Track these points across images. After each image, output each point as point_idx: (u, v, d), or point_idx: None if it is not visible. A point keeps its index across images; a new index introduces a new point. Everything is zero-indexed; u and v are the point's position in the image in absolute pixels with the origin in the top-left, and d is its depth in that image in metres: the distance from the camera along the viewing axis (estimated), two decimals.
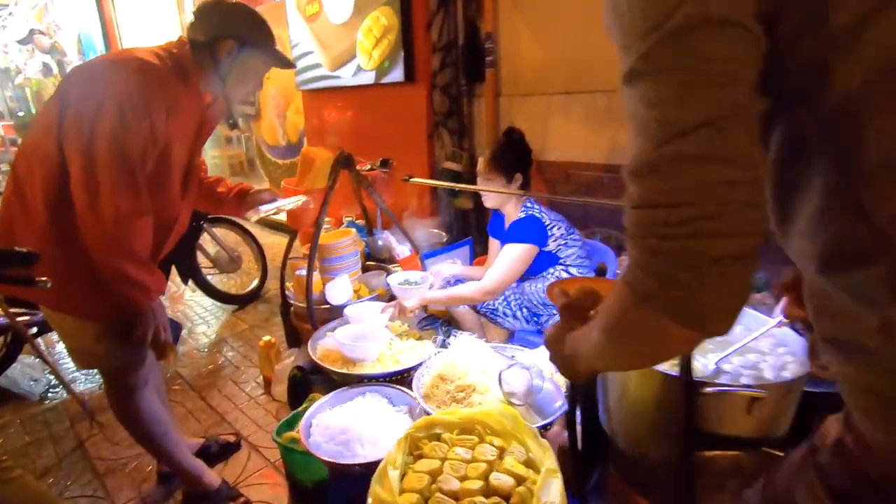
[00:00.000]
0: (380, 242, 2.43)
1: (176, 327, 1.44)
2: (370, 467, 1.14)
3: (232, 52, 1.38)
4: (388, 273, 2.30)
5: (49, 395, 2.33)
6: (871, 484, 0.50)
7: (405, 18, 3.03)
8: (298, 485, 1.60)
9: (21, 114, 7.16)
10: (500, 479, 1.02)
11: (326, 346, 1.81)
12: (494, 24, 2.95)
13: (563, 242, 1.95)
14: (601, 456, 1.35)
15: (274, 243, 4.44)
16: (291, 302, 2.18)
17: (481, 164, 1.95)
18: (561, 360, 0.75)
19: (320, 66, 3.70)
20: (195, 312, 3.27)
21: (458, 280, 2.10)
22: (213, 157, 6.38)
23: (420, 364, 1.62)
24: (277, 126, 4.88)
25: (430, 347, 1.71)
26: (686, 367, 1.00)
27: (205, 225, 3.01)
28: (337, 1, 3.42)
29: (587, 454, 1.37)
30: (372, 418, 1.40)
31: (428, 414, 1.38)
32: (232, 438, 1.91)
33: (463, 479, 1.04)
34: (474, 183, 2.02)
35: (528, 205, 1.97)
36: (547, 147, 2.92)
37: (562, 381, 1.51)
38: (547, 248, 1.93)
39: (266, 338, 2.28)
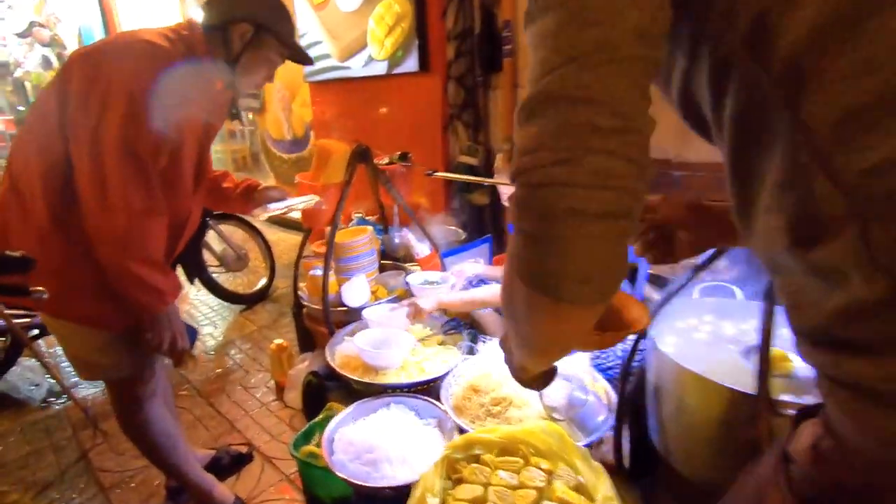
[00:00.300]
0: (396, 240, 2.31)
1: (192, 332, 1.33)
2: (401, 490, 1.03)
3: (246, 36, 1.26)
4: (407, 273, 2.19)
5: (50, 400, 2.22)
6: (848, 494, 0.43)
7: (419, 5, 2.90)
8: (317, 501, 1.49)
9: (21, 108, 7.05)
10: None
11: (345, 351, 1.69)
12: (513, 12, 2.81)
13: None
14: (650, 476, 1.24)
15: (281, 240, 4.33)
16: (305, 303, 2.06)
17: (501, 159, 1.83)
18: (507, 363, 0.70)
19: (329, 56, 3.57)
20: (201, 313, 3.16)
21: (482, 280, 1.98)
22: (216, 151, 6.26)
23: (447, 373, 1.50)
24: (283, 120, 4.76)
25: (455, 353, 1.60)
26: (762, 381, 0.88)
27: (210, 222, 2.90)
28: None
29: (634, 474, 1.26)
30: (400, 434, 1.29)
31: (462, 430, 1.27)
32: (244, 449, 1.80)
33: None
34: (478, 175, 1.92)
35: None
36: None
37: (603, 392, 1.39)
38: None
39: (278, 341, 2.17)
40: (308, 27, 3.69)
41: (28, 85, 7.12)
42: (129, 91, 1.06)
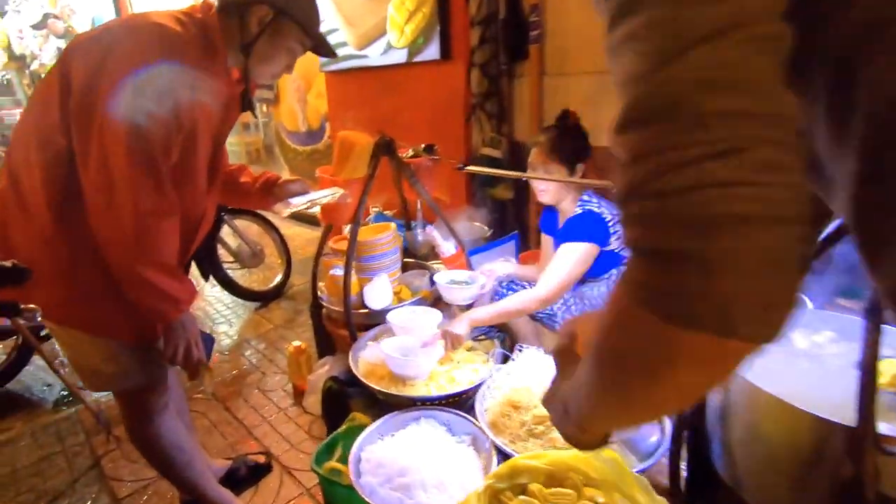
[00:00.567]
0: (419, 238, 2.19)
1: (209, 341, 1.23)
2: None
3: (264, 20, 1.14)
4: (431, 272, 2.07)
5: (63, 402, 2.15)
6: None
7: None
8: None
9: None
10: None
11: (369, 358, 1.58)
12: None
13: None
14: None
15: (296, 235, 4.24)
16: (324, 304, 1.96)
17: (536, 154, 1.69)
18: (558, 424, 0.58)
19: (346, 45, 3.45)
20: (216, 310, 3.08)
21: (512, 282, 1.86)
22: (229, 144, 6.14)
23: (480, 384, 1.39)
24: (298, 111, 4.65)
25: (486, 361, 1.48)
26: (866, 412, 0.75)
27: (225, 217, 2.81)
28: None
29: (692, 502, 1.13)
30: (433, 454, 1.18)
31: (499, 450, 1.15)
32: (262, 459, 1.71)
33: None
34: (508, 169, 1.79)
35: (586, 198, 1.72)
36: (597, 131, 2.65)
37: None
38: (609, 248, 1.68)
39: (296, 343, 2.08)
40: (323, 14, 3.56)
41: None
42: (136, 81, 0.95)
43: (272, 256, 3.27)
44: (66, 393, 2.22)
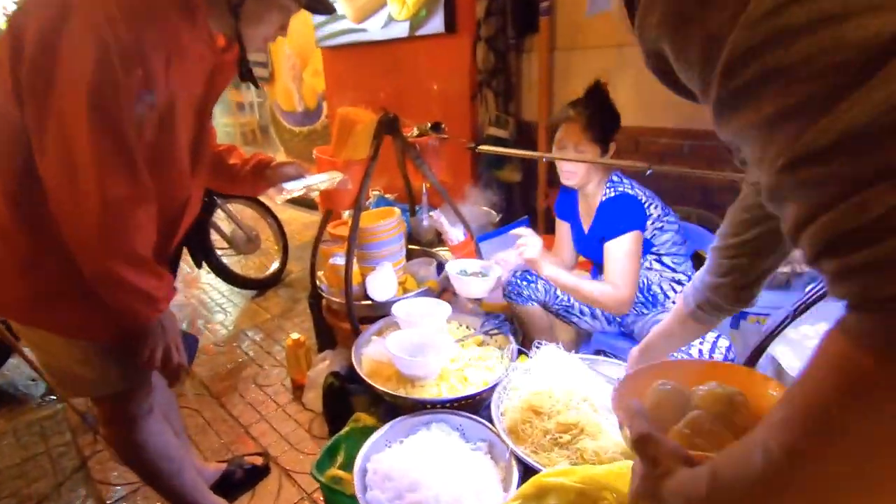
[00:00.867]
0: (425, 223, 2.06)
1: (191, 343, 1.10)
2: None
3: None
4: (438, 261, 1.94)
5: (49, 398, 2.03)
6: None
7: None
8: None
9: None
10: None
11: (373, 355, 1.46)
12: None
13: (660, 226, 1.56)
14: None
15: (293, 219, 4.09)
16: (324, 295, 1.83)
17: (568, 132, 1.54)
18: None
19: (343, 18, 3.26)
20: (211, 298, 2.95)
21: (527, 272, 1.73)
22: (223, 125, 6.00)
23: (496, 384, 1.27)
24: (293, 90, 4.46)
25: (500, 358, 1.36)
26: None
27: (218, 201, 2.66)
28: None
29: None
30: (447, 465, 1.06)
31: (520, 460, 1.04)
32: (259, 461, 1.60)
33: None
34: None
35: (615, 179, 1.58)
36: None
37: None
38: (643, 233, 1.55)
39: (294, 336, 1.95)
40: None
41: None
42: (99, 45, 0.80)
43: (268, 242, 3.13)
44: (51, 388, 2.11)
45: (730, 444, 0.58)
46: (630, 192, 1.54)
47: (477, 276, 1.56)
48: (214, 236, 2.82)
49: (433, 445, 1.14)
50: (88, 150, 0.81)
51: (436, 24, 2.73)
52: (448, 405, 1.25)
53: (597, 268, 1.73)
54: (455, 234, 1.79)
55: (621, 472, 0.90)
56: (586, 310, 1.68)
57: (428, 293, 1.79)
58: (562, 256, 1.79)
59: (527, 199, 3.01)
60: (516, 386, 1.26)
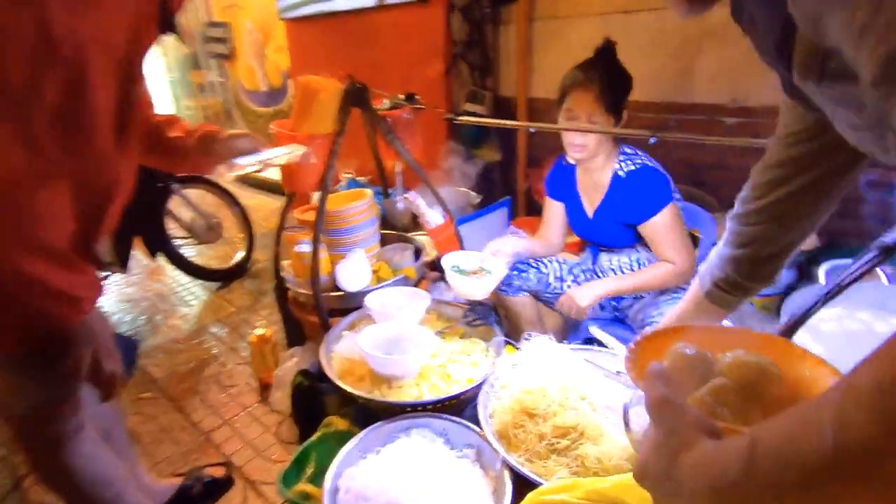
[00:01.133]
0: (399, 206, 1.90)
1: (129, 347, 0.93)
2: None
3: None
4: (415, 246, 1.79)
5: None
6: None
7: None
8: None
9: None
10: None
11: (344, 353, 1.31)
12: None
13: None
14: None
15: (260, 205, 3.86)
16: (290, 287, 1.66)
17: (578, 101, 1.38)
18: None
19: None
20: (171, 291, 2.74)
21: (522, 262, 1.59)
22: (185, 107, 5.66)
23: (482, 382, 1.14)
24: (256, 67, 4.19)
25: (484, 351, 1.22)
26: None
27: (174, 186, 2.44)
28: None
29: None
30: (431, 478, 0.93)
31: (511, 468, 0.91)
32: (221, 472, 1.44)
33: None
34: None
35: (628, 151, 1.46)
36: None
37: None
38: None
39: (258, 331, 1.79)
40: None
41: None
42: None
43: (231, 230, 2.92)
44: None
45: (759, 420, 0.48)
46: (650, 164, 1.42)
47: (477, 275, 1.39)
48: (172, 225, 2.60)
49: (414, 455, 1.01)
50: None
51: None
52: (430, 407, 1.11)
53: (595, 248, 1.59)
54: (433, 216, 1.64)
55: (632, 483, 0.79)
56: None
57: (404, 282, 1.64)
58: (548, 238, 1.66)
59: (506, 180, 2.88)
60: (505, 383, 1.13)
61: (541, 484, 0.85)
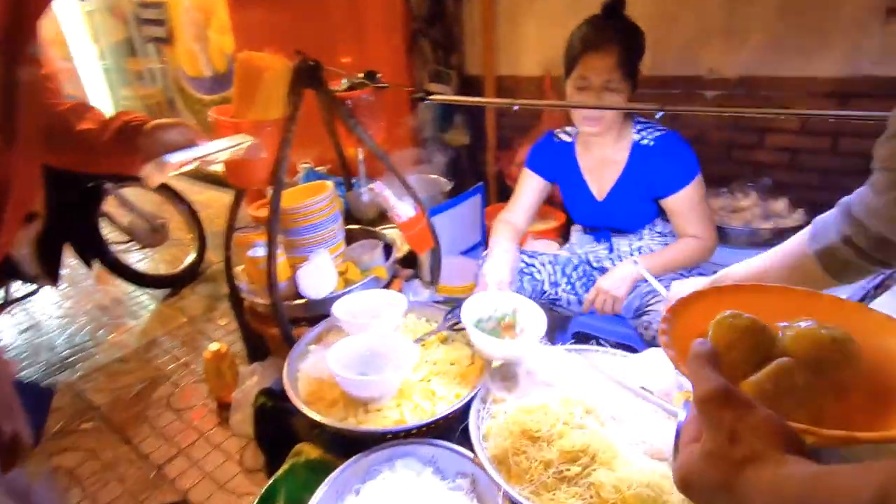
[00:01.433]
0: (365, 198, 1.73)
1: (40, 400, 0.74)
2: None
3: None
4: (384, 241, 1.63)
5: None
6: None
7: None
8: None
9: None
10: None
11: (312, 373, 1.15)
12: None
13: None
14: None
15: (211, 200, 3.58)
16: (245, 296, 1.47)
17: (592, 67, 1.22)
18: None
19: None
20: (115, 302, 2.47)
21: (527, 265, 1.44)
22: (123, 98, 5.22)
23: (472, 397, 1.00)
24: (198, 51, 3.85)
25: (471, 359, 1.07)
26: None
27: (107, 186, 2.17)
28: None
29: None
30: None
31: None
32: None
33: None
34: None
35: (643, 121, 1.35)
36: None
37: None
38: None
39: (213, 347, 1.59)
40: None
41: None
42: None
43: (179, 231, 2.67)
44: None
45: (834, 411, 0.40)
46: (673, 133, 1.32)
47: (508, 335, 1.12)
48: (109, 229, 2.33)
49: (400, 491, 0.87)
50: None
51: None
52: (414, 432, 0.97)
53: (606, 234, 1.45)
54: (403, 209, 1.48)
55: None
56: (573, 298, 1.45)
57: (375, 283, 1.48)
58: (516, 215, 1.49)
59: (476, 164, 2.73)
60: (499, 397, 1.00)
61: None
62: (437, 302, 1.73)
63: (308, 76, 1.28)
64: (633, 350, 1.38)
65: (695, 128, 2.01)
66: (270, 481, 1.04)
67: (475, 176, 2.63)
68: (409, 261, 1.75)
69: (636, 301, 1.36)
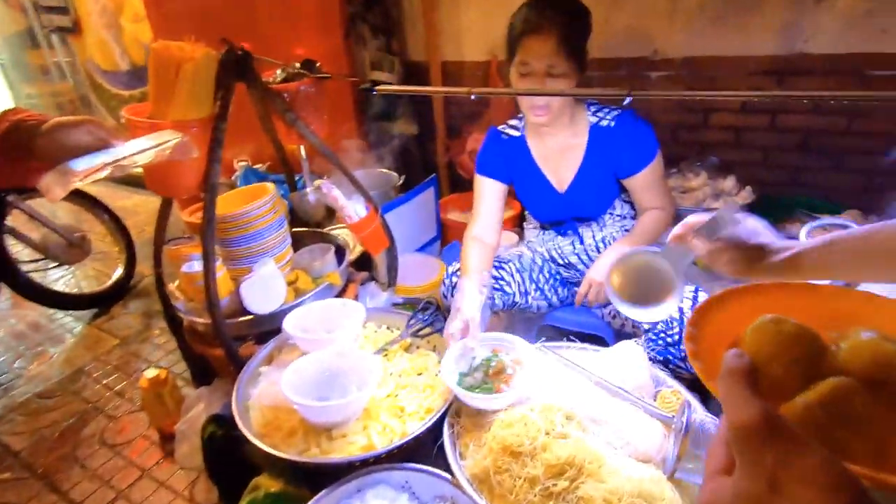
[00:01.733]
0: (311, 198, 1.60)
1: None
2: None
3: None
4: (335, 244, 1.52)
5: None
6: None
7: None
8: None
9: None
10: None
11: (265, 399, 1.04)
12: None
13: None
14: None
15: (138, 206, 3.29)
16: (183, 316, 1.32)
17: (532, 50, 1.13)
18: None
19: None
20: (34, 327, 2.20)
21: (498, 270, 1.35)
22: (26, 96, 4.69)
23: (444, 409, 0.93)
24: (111, 42, 3.50)
25: (446, 370, 0.99)
26: None
27: (10, 198, 1.92)
28: None
29: None
30: None
31: None
32: None
33: None
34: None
35: (597, 103, 1.30)
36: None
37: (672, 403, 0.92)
38: None
39: (150, 372, 1.44)
40: None
41: None
42: None
43: (103, 243, 2.41)
44: None
45: None
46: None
47: (495, 390, 0.94)
48: (18, 247, 2.07)
49: None
50: None
51: None
52: (385, 457, 0.89)
53: (573, 226, 1.38)
54: (354, 208, 1.37)
55: None
56: (543, 304, 1.40)
57: (329, 290, 1.37)
58: (482, 229, 1.37)
59: (426, 155, 2.63)
60: (471, 409, 0.93)
61: None
62: (397, 304, 1.65)
63: (237, 68, 1.14)
64: (603, 341, 1.37)
65: (642, 110, 2.01)
66: None
67: (426, 168, 2.53)
68: (364, 262, 1.65)
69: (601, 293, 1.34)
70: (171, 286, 1.38)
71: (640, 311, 0.78)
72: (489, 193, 1.37)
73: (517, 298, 1.35)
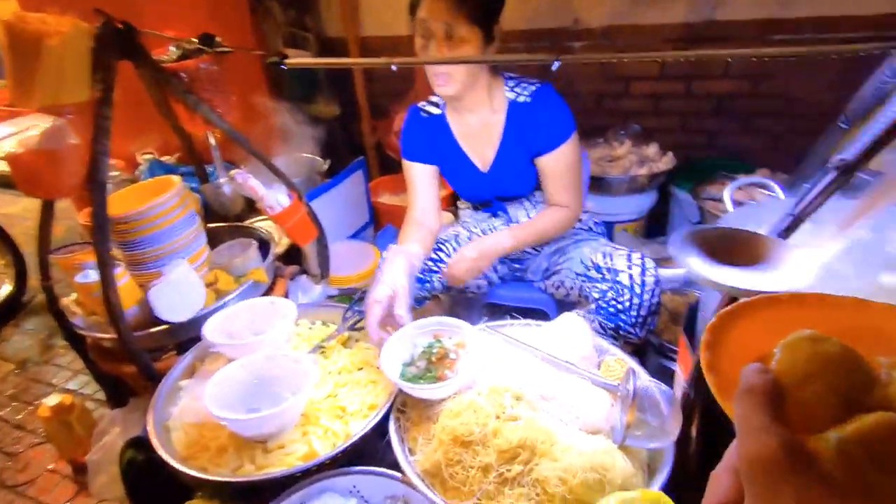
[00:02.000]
0: (226, 190, 1.46)
1: None
2: None
3: None
4: (257, 236, 1.40)
5: None
6: None
7: None
8: None
9: None
10: None
11: (188, 417, 0.93)
12: None
13: None
14: None
15: (26, 212, 2.90)
16: (84, 333, 1.16)
17: (431, 10, 1.05)
18: None
19: None
20: None
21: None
22: None
23: (389, 407, 0.88)
24: None
25: (386, 362, 0.93)
26: None
27: None
28: None
29: None
30: None
31: None
32: None
33: None
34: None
35: (514, 76, 1.23)
36: None
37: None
38: None
39: (51, 400, 1.27)
40: None
41: None
42: None
43: None
44: None
45: None
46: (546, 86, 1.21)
47: (443, 361, 0.91)
48: None
49: None
50: None
51: None
52: (328, 463, 0.82)
53: (502, 206, 1.34)
54: (275, 197, 1.26)
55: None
56: (483, 283, 1.36)
57: (254, 289, 1.26)
58: (420, 213, 1.30)
59: (351, 137, 2.51)
60: (417, 400, 0.89)
61: None
62: (332, 297, 1.56)
63: (119, 44, 0.99)
64: (545, 315, 1.36)
65: (564, 80, 2.01)
66: None
67: (353, 150, 2.42)
68: (293, 255, 1.54)
69: (543, 262, 1.32)
70: (67, 300, 1.20)
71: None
72: (419, 178, 1.29)
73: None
